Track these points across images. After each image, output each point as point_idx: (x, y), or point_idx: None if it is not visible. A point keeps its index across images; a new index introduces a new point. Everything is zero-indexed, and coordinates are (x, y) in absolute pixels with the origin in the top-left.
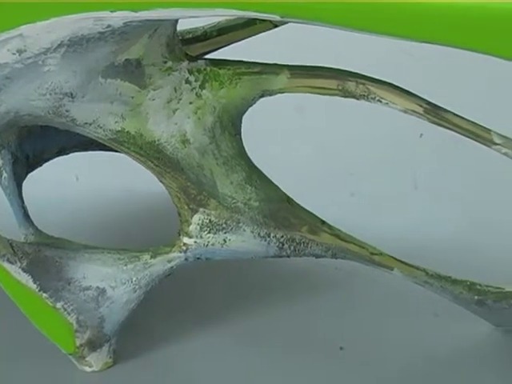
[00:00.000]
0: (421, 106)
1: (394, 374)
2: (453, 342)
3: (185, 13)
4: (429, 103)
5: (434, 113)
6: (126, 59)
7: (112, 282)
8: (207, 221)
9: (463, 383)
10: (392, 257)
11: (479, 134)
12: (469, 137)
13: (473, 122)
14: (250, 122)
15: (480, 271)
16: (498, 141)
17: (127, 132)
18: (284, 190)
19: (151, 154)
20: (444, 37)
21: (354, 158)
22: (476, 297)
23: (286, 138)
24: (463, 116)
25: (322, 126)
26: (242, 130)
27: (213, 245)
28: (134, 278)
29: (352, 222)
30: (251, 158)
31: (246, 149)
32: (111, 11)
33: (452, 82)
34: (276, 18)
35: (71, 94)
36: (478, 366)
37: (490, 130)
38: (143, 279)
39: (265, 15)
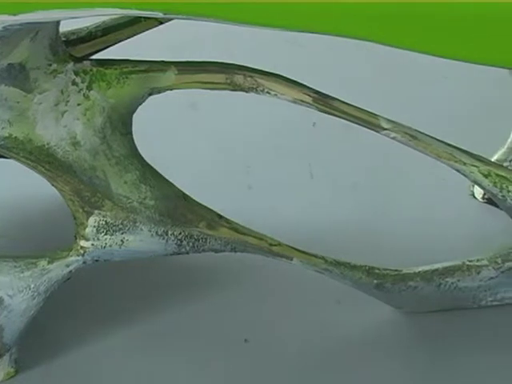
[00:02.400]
0: (309, 95)
1: (298, 364)
2: (356, 327)
3: (64, 14)
4: (317, 92)
5: (323, 101)
6: (8, 64)
7: (9, 290)
8: (103, 222)
9: (368, 366)
10: (291, 247)
11: (367, 119)
12: (358, 123)
13: (360, 109)
14: (142, 121)
15: (378, 256)
16: (386, 126)
17: (15, 138)
18: (180, 187)
19: (42, 159)
20: (322, 26)
21: (250, 151)
22: (375, 281)
23: (180, 134)
24: (351, 103)
25: (216, 120)
26: (134, 128)
27: (110, 246)
28: (32, 285)
29: (250, 215)
30: (145, 156)
31: (139, 147)
32: None
33: (338, 70)
34: (158, 14)
35: None
36: (381, 348)
37: (377, 116)
38: (42, 285)
39: (147, 13)
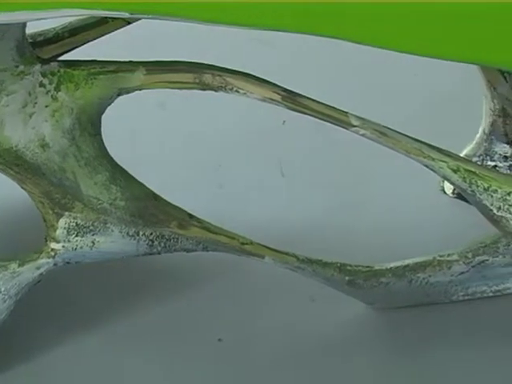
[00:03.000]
0: (278, 93)
1: (273, 362)
2: (330, 325)
3: (30, 15)
4: (286, 90)
5: (292, 99)
6: None
7: None
8: (74, 224)
9: (341, 362)
10: (263, 245)
11: (337, 117)
12: (328, 121)
13: (330, 106)
14: (111, 121)
15: (350, 252)
16: (355, 123)
17: None
18: (151, 187)
19: (10, 161)
20: (291, 24)
21: (220, 150)
22: (347, 277)
23: (150, 134)
24: (320, 101)
25: (186, 120)
26: (104, 129)
27: (81, 248)
28: (3, 288)
29: (221, 214)
30: (114, 157)
31: (109, 148)
32: None
33: (307, 68)
34: (125, 15)
35: None
36: (354, 344)
37: (346, 113)
38: (12, 289)
39: (113, 13)
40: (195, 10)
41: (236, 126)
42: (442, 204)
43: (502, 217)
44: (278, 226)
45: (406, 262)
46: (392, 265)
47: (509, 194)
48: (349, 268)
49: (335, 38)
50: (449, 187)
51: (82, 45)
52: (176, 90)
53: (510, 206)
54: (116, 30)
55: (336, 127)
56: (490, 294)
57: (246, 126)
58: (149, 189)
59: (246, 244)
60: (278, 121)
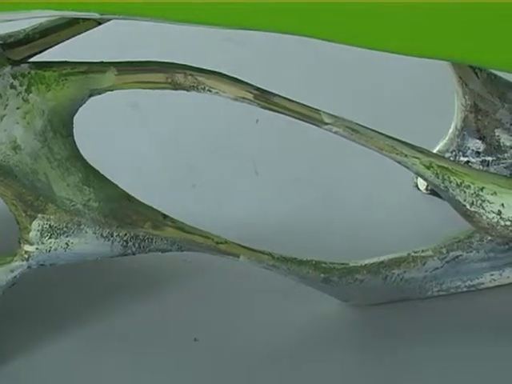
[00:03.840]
0: (250, 92)
1: (248, 360)
2: (305, 322)
3: (1, 16)
4: (258, 89)
5: (264, 98)
6: None
7: None
8: (47, 226)
9: (317, 360)
10: (237, 244)
11: (309, 115)
12: (300, 119)
13: (302, 104)
14: (84, 122)
15: (324, 250)
16: (327, 120)
17: None
18: (124, 188)
19: None
20: (261, 23)
21: (193, 150)
22: (322, 275)
23: (122, 135)
24: (293, 99)
25: (159, 120)
26: (76, 130)
27: (55, 250)
28: None
29: (196, 214)
30: (87, 158)
31: (81, 149)
32: None
33: (279, 66)
34: (95, 15)
35: None
36: (329, 341)
37: (319, 111)
38: None
39: (83, 14)
40: (166, 10)
41: (209, 126)
42: (415, 200)
43: (475, 212)
44: (253, 225)
45: (381, 258)
46: (367, 261)
47: (481, 189)
48: (324, 265)
49: (308, 36)
50: (422, 183)
51: (53, 46)
52: (148, 90)
53: (482, 201)
54: (87, 30)
55: (309, 125)
56: (465, 290)
57: (220, 126)
58: (122, 190)
59: (221, 243)
60: (251, 120)
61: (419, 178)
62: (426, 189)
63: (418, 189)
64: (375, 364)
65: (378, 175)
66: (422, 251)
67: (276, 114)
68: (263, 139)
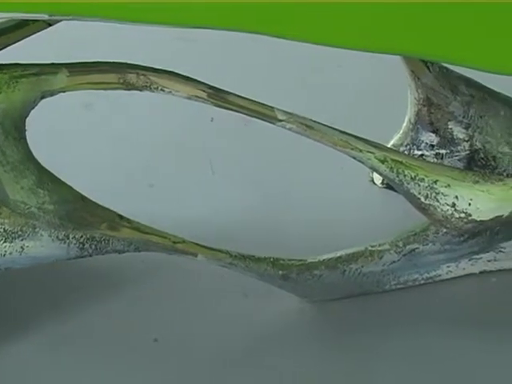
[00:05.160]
0: (204, 90)
1: (209, 360)
2: (264, 319)
3: None
4: (211, 87)
5: (218, 96)
6: None
7: None
8: (1, 230)
9: (277, 357)
10: (195, 243)
11: (263, 112)
12: (254, 116)
13: (255, 102)
14: (36, 124)
15: (282, 247)
16: (281, 117)
17: None
18: (79, 189)
19: None
20: (212, 21)
21: (149, 150)
22: (280, 272)
23: (76, 136)
24: (246, 96)
25: (113, 120)
26: (28, 132)
27: (10, 254)
28: None
29: (152, 214)
30: (41, 160)
31: (34, 152)
32: None
33: (232, 64)
34: (44, 16)
35: None
36: (289, 338)
37: (272, 108)
38: None
39: (32, 15)
40: (116, 10)
41: (164, 125)
42: (371, 195)
43: (429, 205)
44: (210, 224)
45: (339, 253)
46: (325, 257)
47: (435, 182)
48: (282, 262)
49: (258, 33)
50: (378, 178)
51: (3, 48)
52: (102, 91)
53: (436, 194)
54: (37, 32)
55: (265, 123)
56: (422, 282)
57: (175, 125)
58: (77, 191)
59: (178, 243)
60: (206, 118)
61: (375, 173)
62: (382, 183)
63: (374, 183)
64: (337, 359)
65: (334, 171)
66: (379, 245)
67: (231, 112)
68: (219, 138)
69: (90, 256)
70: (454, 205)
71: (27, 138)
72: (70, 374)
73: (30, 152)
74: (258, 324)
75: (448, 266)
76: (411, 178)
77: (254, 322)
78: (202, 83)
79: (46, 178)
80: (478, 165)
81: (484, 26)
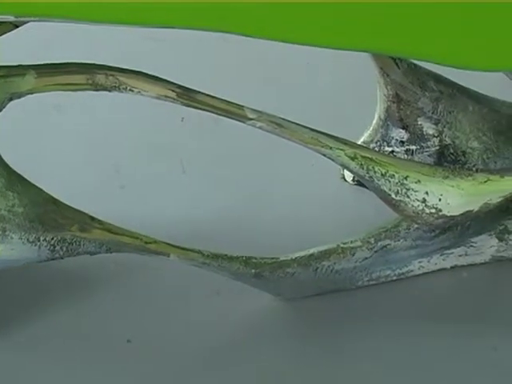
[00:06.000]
0: (173, 90)
1: (183, 360)
2: (238, 318)
3: None
4: (180, 87)
5: (187, 96)
6: None
7: None
8: None
9: (251, 355)
10: (167, 243)
11: (233, 111)
12: (224, 115)
13: (225, 101)
14: (5, 126)
15: (255, 245)
16: (251, 116)
17: None
18: (49, 192)
19: None
20: (179, 20)
21: (120, 151)
22: (253, 270)
23: (46, 137)
24: (216, 96)
25: (83, 122)
26: None
27: None
28: None
29: (124, 215)
30: (10, 163)
31: (3, 154)
32: None
33: (201, 64)
34: (10, 18)
35: None
36: (263, 336)
37: (242, 107)
38: None
39: None
40: (83, 10)
41: (135, 126)
42: (342, 192)
43: (400, 201)
44: (182, 223)
45: (311, 251)
46: (297, 255)
47: (406, 178)
48: (254, 261)
49: (226, 32)
50: (349, 175)
51: None
52: (72, 92)
53: (407, 190)
54: (4, 33)
55: (235, 122)
56: (394, 278)
57: (145, 125)
58: (47, 193)
59: (150, 243)
60: (176, 118)
61: (346, 170)
62: (353, 180)
63: (345, 180)
64: (311, 356)
65: (305, 169)
66: (351, 242)
67: (201, 111)
68: (189, 137)
69: (62, 258)
70: (424, 200)
71: None
72: (38, 378)
73: None
74: (232, 322)
75: (420, 262)
76: (381, 174)
77: (228, 321)
78: (171, 83)
79: (15, 181)
80: (448, 160)
81: (450, 22)
